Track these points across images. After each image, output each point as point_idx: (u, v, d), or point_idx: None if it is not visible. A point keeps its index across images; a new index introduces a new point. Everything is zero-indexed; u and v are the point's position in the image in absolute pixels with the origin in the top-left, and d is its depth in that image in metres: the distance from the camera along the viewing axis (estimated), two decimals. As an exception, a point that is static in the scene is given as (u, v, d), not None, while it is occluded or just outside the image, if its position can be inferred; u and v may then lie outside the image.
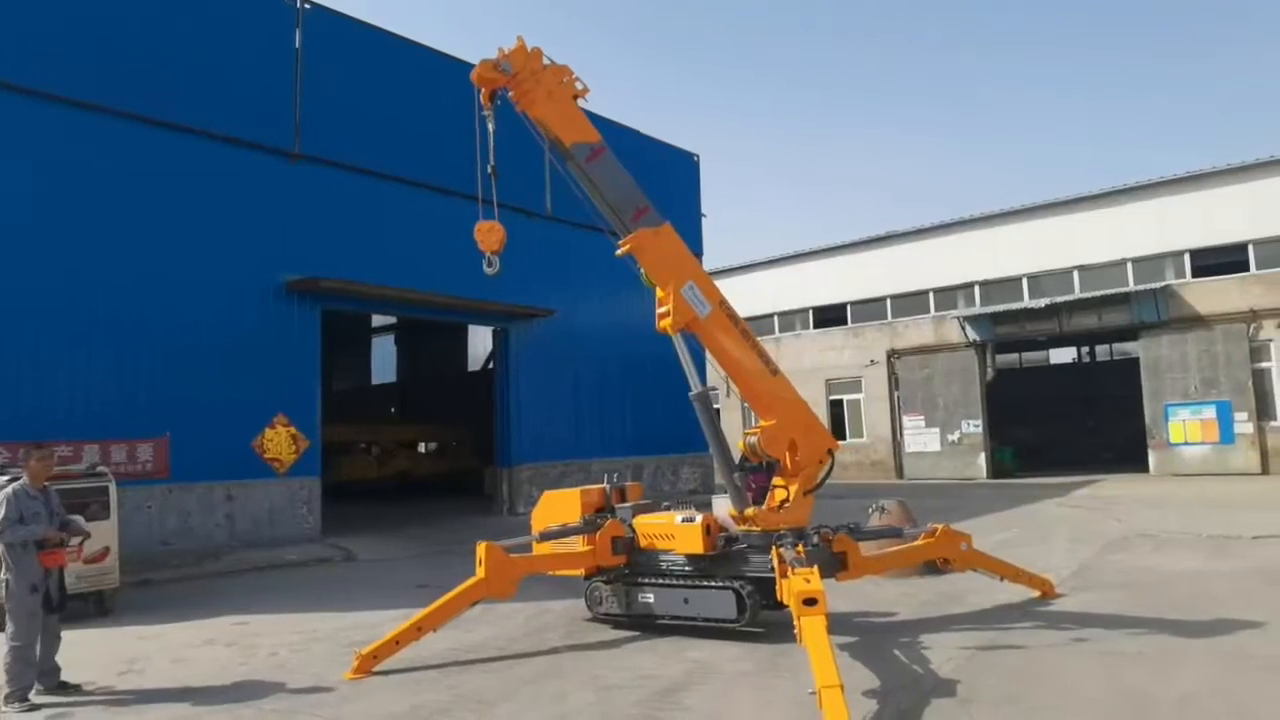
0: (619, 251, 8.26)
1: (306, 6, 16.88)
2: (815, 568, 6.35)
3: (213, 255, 14.97)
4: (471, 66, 19.42)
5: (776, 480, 7.94)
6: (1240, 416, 24.42)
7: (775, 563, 7.04)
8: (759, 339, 8.49)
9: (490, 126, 8.49)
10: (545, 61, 8.33)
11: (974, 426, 29.13)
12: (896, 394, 31.35)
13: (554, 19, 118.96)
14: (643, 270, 8.25)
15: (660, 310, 8.03)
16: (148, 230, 14.23)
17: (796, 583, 6.04)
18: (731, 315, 8.27)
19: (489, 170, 8.59)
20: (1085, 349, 38.05)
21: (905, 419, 30.91)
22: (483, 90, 8.33)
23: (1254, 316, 24.43)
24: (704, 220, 26.33)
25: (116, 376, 13.62)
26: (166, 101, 14.65)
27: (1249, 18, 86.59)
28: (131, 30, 14.42)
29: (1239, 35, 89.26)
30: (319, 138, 16.74)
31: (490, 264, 8.61)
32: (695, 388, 8.13)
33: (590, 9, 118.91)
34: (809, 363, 33.33)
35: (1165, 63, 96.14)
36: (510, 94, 8.29)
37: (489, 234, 8.61)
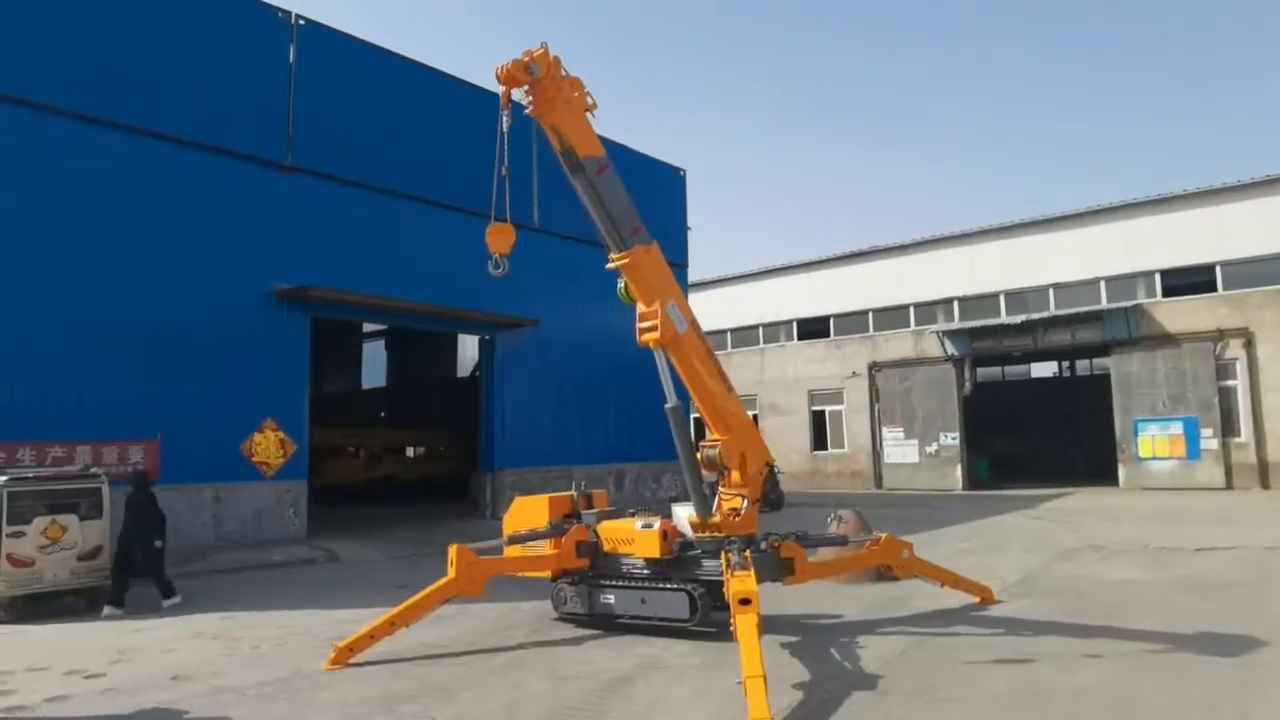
0: (612, 265, 8.60)
1: (301, 22, 17.44)
2: (752, 571, 6.93)
3: (206, 263, 15.49)
4: (461, 82, 19.80)
5: (726, 491, 8.51)
6: (1206, 433, 25.16)
7: (724, 566, 7.60)
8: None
9: (505, 125, 8.40)
10: (563, 72, 8.46)
11: (951, 439, 29.79)
12: (877, 406, 31.99)
13: (536, 29, 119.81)
14: (623, 285, 8.71)
15: (644, 325, 8.43)
16: (143, 238, 14.75)
17: (734, 584, 6.64)
18: (701, 335, 8.85)
19: (503, 172, 8.50)
20: (1066, 363, 38.77)
21: (885, 430, 31.57)
22: (504, 89, 8.25)
23: (1221, 335, 25.16)
24: (689, 233, 27.02)
25: (109, 380, 14.11)
26: (163, 113, 15.18)
27: (1220, 42, 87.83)
28: (128, 44, 14.93)
29: (1208, 61, 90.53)
30: (311, 150, 17.29)
31: (498, 266, 8.55)
32: (671, 400, 8.59)
33: (573, 18, 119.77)
34: (792, 373, 34.06)
35: (1140, 84, 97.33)
36: (528, 97, 8.30)
37: (501, 236, 8.53)
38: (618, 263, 8.53)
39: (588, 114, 8.63)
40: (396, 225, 18.84)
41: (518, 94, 8.38)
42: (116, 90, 14.67)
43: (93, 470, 11.54)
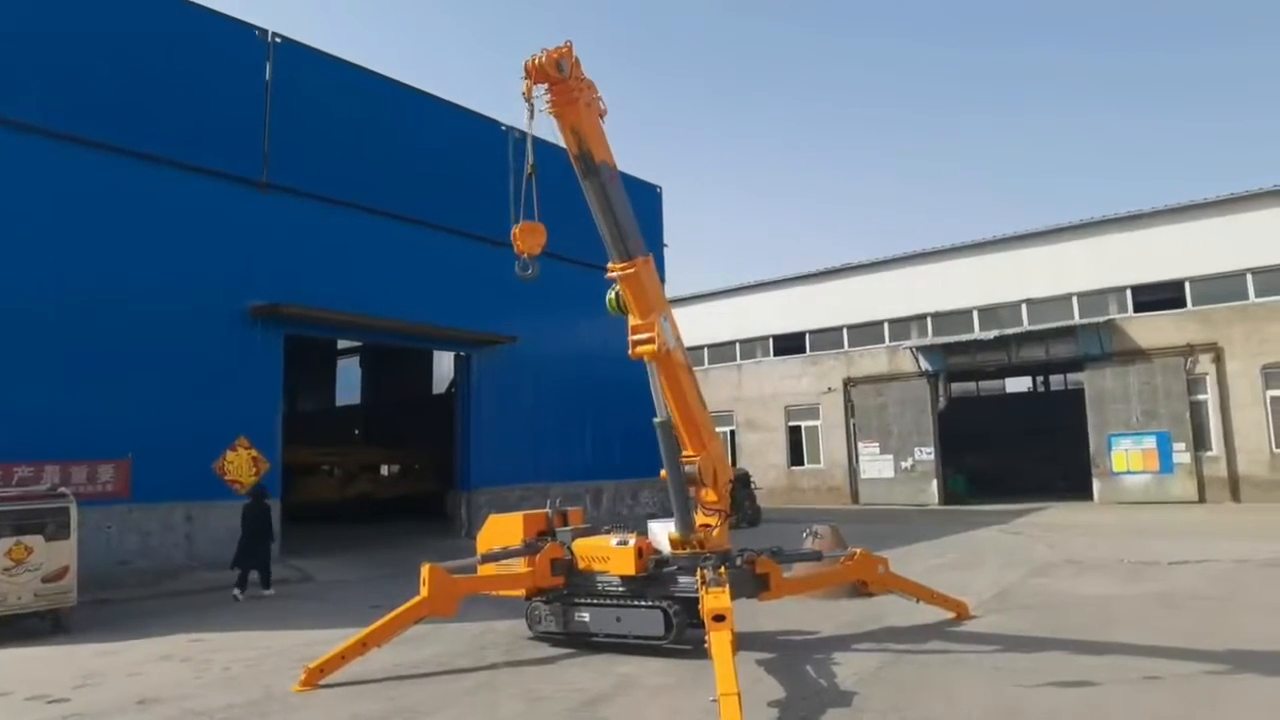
0: (613, 274, 8.48)
1: (277, 40, 17.39)
2: (726, 587, 6.91)
3: (179, 280, 15.33)
4: (440, 100, 19.73)
5: (702, 508, 8.51)
6: (1178, 447, 25.44)
7: (699, 583, 7.56)
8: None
9: (530, 120, 8.14)
10: (582, 73, 8.34)
11: (926, 454, 29.94)
12: (852, 421, 32.13)
13: (518, 41, 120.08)
14: (612, 296, 8.62)
15: (639, 337, 8.30)
16: (116, 255, 14.59)
17: (708, 600, 6.63)
18: (685, 351, 8.87)
19: (527, 170, 8.31)
20: (1040, 379, 39.11)
21: (861, 446, 31.68)
22: (527, 83, 7.99)
23: (1191, 351, 25.50)
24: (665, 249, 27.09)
25: (79, 398, 13.89)
26: (138, 131, 15.05)
27: (1188, 67, 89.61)
28: (104, 62, 14.81)
29: (1176, 82, 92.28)
30: (287, 168, 17.20)
31: (526, 267, 8.22)
32: (662, 415, 8.53)
33: (555, 28, 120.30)
34: (769, 389, 34.17)
35: (1114, 99, 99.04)
36: (549, 95, 8.11)
37: (531, 235, 8.19)
38: (621, 272, 8.41)
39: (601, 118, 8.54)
40: (372, 242, 18.74)
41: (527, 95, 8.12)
42: (91, 108, 14.56)
43: (60, 490, 11.33)
